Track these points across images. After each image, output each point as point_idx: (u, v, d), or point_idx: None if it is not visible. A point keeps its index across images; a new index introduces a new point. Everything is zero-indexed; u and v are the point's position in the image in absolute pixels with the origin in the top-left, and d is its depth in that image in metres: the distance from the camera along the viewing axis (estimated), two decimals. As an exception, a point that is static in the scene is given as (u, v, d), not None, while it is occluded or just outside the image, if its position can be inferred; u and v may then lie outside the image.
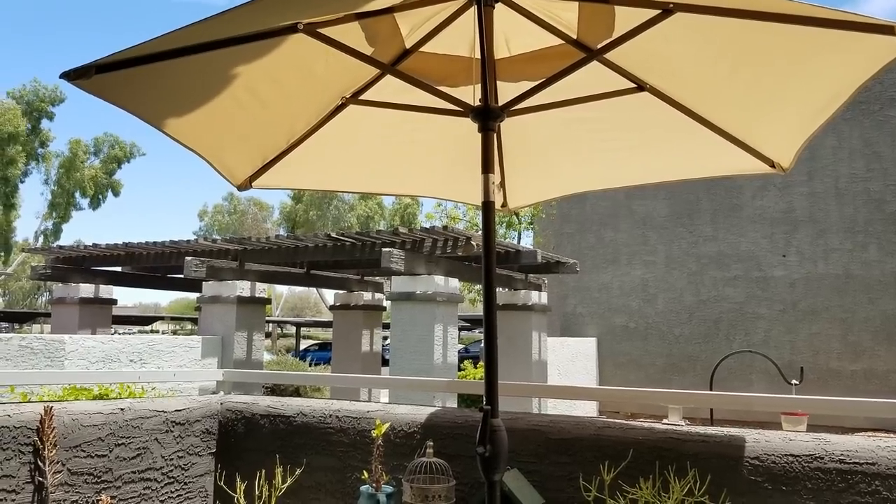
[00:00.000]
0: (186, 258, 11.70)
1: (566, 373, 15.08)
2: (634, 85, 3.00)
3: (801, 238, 15.66)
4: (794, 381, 7.11)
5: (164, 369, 10.12)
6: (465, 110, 2.71)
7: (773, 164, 3.05)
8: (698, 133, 3.10)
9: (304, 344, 41.57)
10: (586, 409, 15.02)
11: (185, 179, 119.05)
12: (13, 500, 3.16)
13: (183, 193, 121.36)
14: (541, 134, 3.45)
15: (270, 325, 42.76)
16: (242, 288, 12.08)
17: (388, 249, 10.52)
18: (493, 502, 2.38)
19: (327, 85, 3.08)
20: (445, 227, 11.11)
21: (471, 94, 2.97)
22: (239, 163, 3.25)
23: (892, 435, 2.94)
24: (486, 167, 2.66)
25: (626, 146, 3.42)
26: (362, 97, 3.16)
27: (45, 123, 44.64)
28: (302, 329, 43.68)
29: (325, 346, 37.30)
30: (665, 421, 3.26)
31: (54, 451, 3.29)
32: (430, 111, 2.95)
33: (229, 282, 11.97)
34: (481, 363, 17.11)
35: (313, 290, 50.27)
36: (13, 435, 3.19)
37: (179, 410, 3.93)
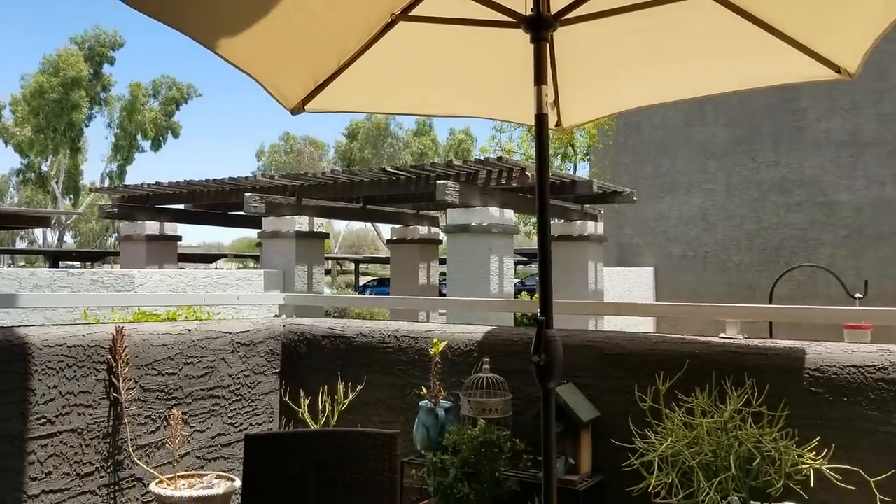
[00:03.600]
0: (246, 194, 11.92)
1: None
2: (694, -11, 2.88)
3: (868, 161, 15.08)
4: (857, 295, 6.93)
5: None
6: (517, 21, 2.66)
7: (838, 70, 2.92)
8: (762, 40, 2.98)
9: (362, 280, 42.24)
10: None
11: (241, 120, 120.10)
12: (91, 415, 3.35)
13: (240, 134, 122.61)
14: (596, 47, 3.36)
15: (329, 261, 43.50)
16: (301, 223, 12.28)
17: (442, 182, 10.51)
18: (548, 410, 2.42)
19: (377, 1, 3.04)
20: (500, 159, 11.03)
21: (523, 5, 2.90)
22: (291, 86, 3.25)
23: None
24: (539, 79, 2.62)
25: (685, 57, 3.31)
26: (412, 13, 3.12)
27: (106, 68, 45.49)
28: (360, 265, 44.32)
29: (383, 282, 37.80)
30: (722, 335, 3.24)
31: (127, 369, 3.45)
32: (480, 24, 2.90)
33: (288, 217, 12.18)
34: (536, 294, 17.13)
35: (370, 227, 50.77)
36: (88, 353, 3.35)
37: (244, 332, 4.06)
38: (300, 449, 2.68)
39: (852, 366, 2.85)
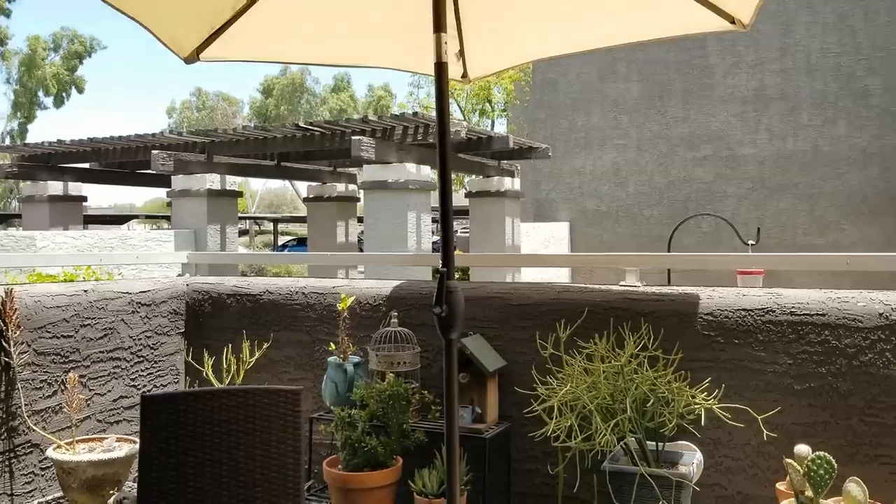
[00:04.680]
0: (153, 152, 11.48)
1: (540, 257, 15.24)
2: (592, -62, 2.88)
3: (771, 115, 15.66)
4: (750, 242, 7.24)
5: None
6: (414, -34, 2.60)
7: (733, 20, 2.98)
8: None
9: (281, 239, 41.59)
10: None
11: (150, 75, 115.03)
12: (-18, 381, 3.20)
13: (150, 90, 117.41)
14: (499, -3, 3.33)
15: (247, 221, 42.63)
16: (212, 181, 11.94)
17: (357, 137, 10.36)
18: (450, 360, 2.43)
19: (271, -55, 2.93)
20: (415, 114, 10.94)
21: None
22: (185, 34, 3.12)
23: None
24: (438, 26, 2.59)
25: (587, 8, 3.32)
26: (309, -41, 3.02)
27: (1, 21, 42.79)
28: (280, 225, 43.60)
29: (303, 241, 37.26)
30: (622, 283, 3.32)
31: (18, 333, 3.30)
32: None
33: (198, 175, 11.82)
34: (458, 251, 17.26)
35: (289, 186, 49.89)
36: (-25, 317, 3.19)
37: (144, 292, 3.94)
38: (199, 408, 2.62)
39: (743, 309, 2.96)
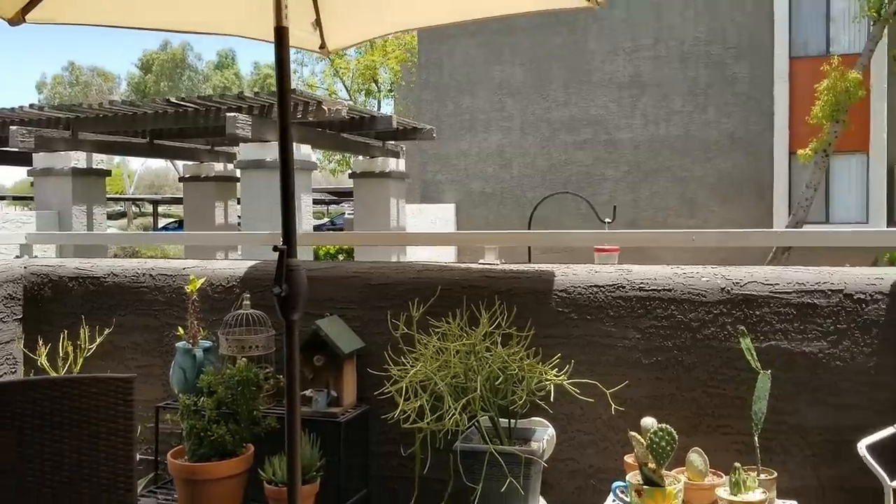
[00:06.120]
0: (11, 128, 10.69)
1: (425, 239, 15.24)
2: None
3: (646, 101, 16.21)
4: (606, 220, 7.48)
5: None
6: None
7: (586, -3, 2.97)
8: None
9: (162, 222, 39.98)
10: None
11: (19, 49, 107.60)
12: None
13: (18, 65, 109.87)
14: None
15: (125, 203, 40.74)
16: (77, 159, 11.26)
17: (232, 114, 9.98)
18: (291, 342, 2.32)
19: None
20: (294, 91, 10.64)
21: None
22: (6, -8, 2.84)
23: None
24: (277, -12, 2.44)
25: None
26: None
27: None
28: (161, 207, 41.89)
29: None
30: (481, 261, 3.29)
31: None
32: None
33: (63, 153, 11.11)
34: (345, 231, 17.02)
35: (171, 167, 47.98)
36: None
37: (-28, 275, 3.61)
38: (18, 400, 2.40)
39: (595, 286, 2.98)
